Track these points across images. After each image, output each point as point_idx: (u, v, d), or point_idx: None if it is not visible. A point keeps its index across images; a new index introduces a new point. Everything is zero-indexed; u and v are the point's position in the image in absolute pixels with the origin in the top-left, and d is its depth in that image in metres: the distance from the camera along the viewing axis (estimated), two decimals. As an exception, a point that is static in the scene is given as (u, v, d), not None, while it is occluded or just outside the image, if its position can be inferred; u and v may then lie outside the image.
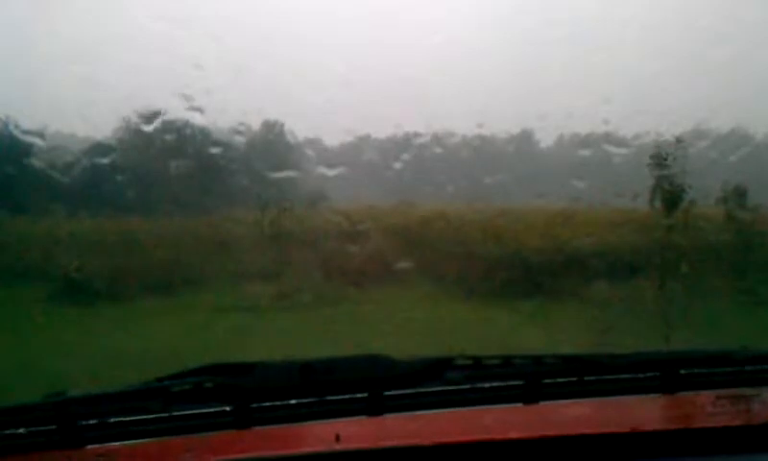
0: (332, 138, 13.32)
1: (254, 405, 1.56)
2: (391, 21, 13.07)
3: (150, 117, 13.03)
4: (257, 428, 1.53)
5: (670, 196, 8.81)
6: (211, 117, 11.41)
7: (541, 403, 1.61)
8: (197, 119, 11.85)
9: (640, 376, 1.71)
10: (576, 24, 10.91)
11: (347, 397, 1.59)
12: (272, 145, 14.09)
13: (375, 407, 1.57)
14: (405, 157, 12.28)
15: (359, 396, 1.59)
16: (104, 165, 12.46)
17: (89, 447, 1.48)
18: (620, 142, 10.81)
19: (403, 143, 12.75)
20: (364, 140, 12.95)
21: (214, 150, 12.40)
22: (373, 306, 9.29)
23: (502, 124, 11.43)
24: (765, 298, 8.85)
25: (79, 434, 1.49)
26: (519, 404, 1.61)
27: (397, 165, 12.23)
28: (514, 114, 11.54)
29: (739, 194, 10.07)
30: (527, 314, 8.96)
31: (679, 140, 8.91)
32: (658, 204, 8.90)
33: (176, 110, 12.06)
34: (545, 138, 10.81)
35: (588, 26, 10.93)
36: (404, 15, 12.97)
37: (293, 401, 1.58)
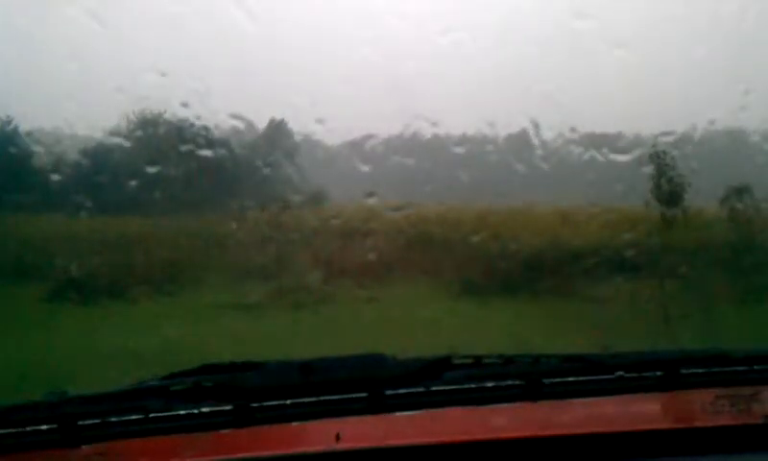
0: (332, 137, 13.31)
1: (254, 405, 1.56)
2: (391, 21, 13.06)
3: (150, 117, 13.03)
4: (257, 428, 1.53)
5: (669, 195, 8.82)
6: (211, 117, 11.41)
7: (542, 403, 1.61)
8: (197, 119, 11.85)
9: (640, 375, 1.71)
10: (576, 25, 10.92)
11: (347, 396, 1.59)
12: (271, 144, 14.09)
13: (376, 406, 1.57)
14: (405, 156, 12.28)
15: (359, 395, 1.59)
16: (104, 165, 12.46)
17: (89, 445, 1.49)
18: (620, 142, 10.82)
19: (403, 142, 12.73)
20: (364, 139, 12.95)
21: (214, 149, 12.40)
22: (373, 305, 9.29)
23: (503, 124, 11.44)
24: (765, 297, 8.85)
25: (79, 433, 1.50)
26: (520, 404, 1.61)
27: (398, 164, 12.22)
28: (514, 114, 11.54)
29: (739, 193, 10.08)
30: (527, 313, 8.96)
31: (677, 140, 8.92)
32: (657, 203, 8.91)
33: (176, 110, 12.05)
34: (545, 138, 10.82)
35: (589, 27, 10.93)
36: (404, 16, 12.97)
37: (293, 401, 1.58)
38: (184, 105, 10.71)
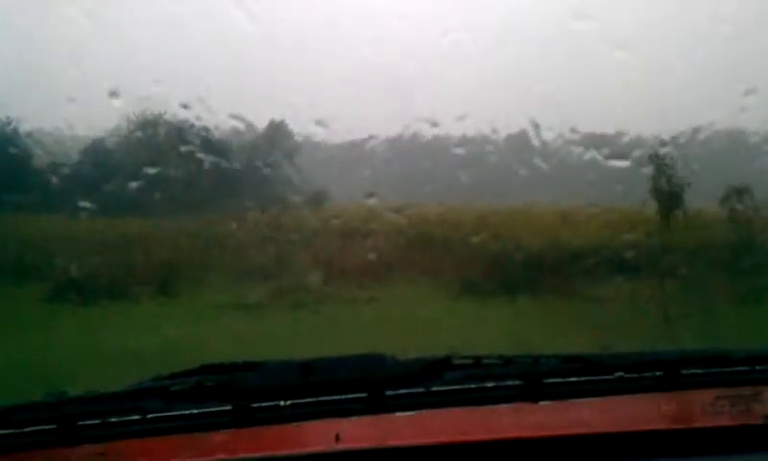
0: (332, 138, 13.29)
1: (254, 405, 1.56)
2: (391, 21, 13.06)
3: (150, 118, 13.02)
4: (257, 428, 1.53)
5: (669, 196, 8.82)
6: (211, 118, 11.39)
7: (542, 403, 1.61)
8: (197, 119, 11.83)
9: (640, 375, 1.71)
10: (576, 26, 10.93)
11: (347, 396, 1.59)
12: (271, 144, 14.08)
13: (375, 407, 1.57)
14: (406, 156, 12.28)
15: (359, 395, 1.59)
16: (104, 165, 12.46)
17: (89, 445, 1.49)
18: (620, 142, 10.80)
19: (404, 143, 12.71)
20: (364, 140, 12.94)
21: (214, 150, 12.38)
22: (373, 305, 9.29)
23: (503, 124, 11.44)
24: (765, 297, 8.85)
25: (79, 433, 1.50)
26: (520, 404, 1.61)
27: (398, 165, 12.21)
28: (514, 114, 11.54)
29: (739, 194, 10.08)
30: (527, 313, 8.96)
31: (677, 140, 8.92)
32: (657, 203, 8.91)
33: (176, 111, 12.03)
34: (545, 138, 10.83)
35: (589, 28, 10.94)
36: (404, 16, 12.97)
37: (293, 401, 1.58)
38: (184, 105, 10.68)
